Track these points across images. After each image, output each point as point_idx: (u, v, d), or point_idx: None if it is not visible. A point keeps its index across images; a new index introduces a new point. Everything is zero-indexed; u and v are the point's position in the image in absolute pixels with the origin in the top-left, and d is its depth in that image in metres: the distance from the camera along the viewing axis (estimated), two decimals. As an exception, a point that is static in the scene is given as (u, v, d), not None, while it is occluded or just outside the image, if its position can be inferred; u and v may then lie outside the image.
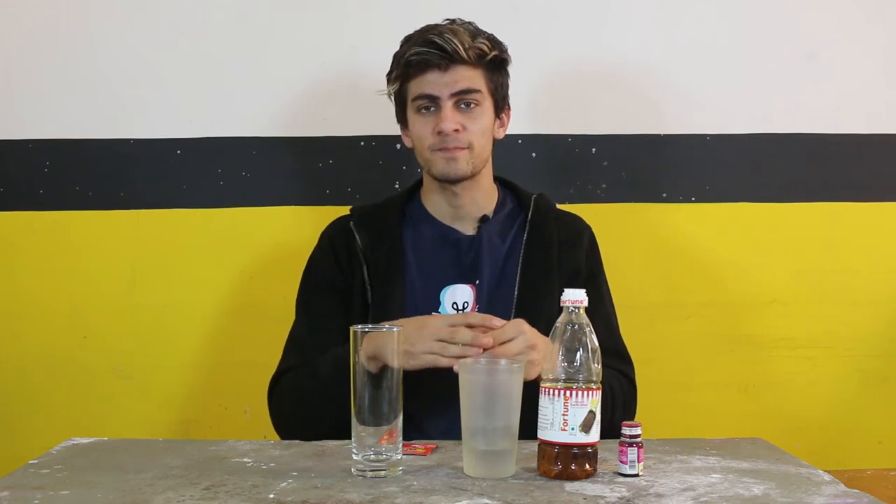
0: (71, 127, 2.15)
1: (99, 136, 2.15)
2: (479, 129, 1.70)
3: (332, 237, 1.79)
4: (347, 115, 2.16)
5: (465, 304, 1.70)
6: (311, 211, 2.15)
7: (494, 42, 1.72)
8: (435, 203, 1.78)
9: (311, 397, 1.61)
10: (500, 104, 1.75)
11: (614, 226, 2.13)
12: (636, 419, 1.36)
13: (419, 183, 1.83)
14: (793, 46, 2.19)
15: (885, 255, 2.22)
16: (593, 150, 2.19)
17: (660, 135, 2.19)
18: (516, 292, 1.70)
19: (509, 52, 1.75)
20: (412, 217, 1.79)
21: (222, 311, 2.18)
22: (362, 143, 2.16)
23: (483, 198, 1.77)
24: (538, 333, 1.49)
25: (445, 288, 1.71)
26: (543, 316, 1.57)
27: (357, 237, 1.74)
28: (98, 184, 2.16)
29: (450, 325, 1.48)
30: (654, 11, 2.18)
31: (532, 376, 1.40)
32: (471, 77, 1.68)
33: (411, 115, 1.72)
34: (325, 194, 2.16)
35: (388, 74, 1.74)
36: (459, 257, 1.73)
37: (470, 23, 1.72)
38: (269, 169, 2.17)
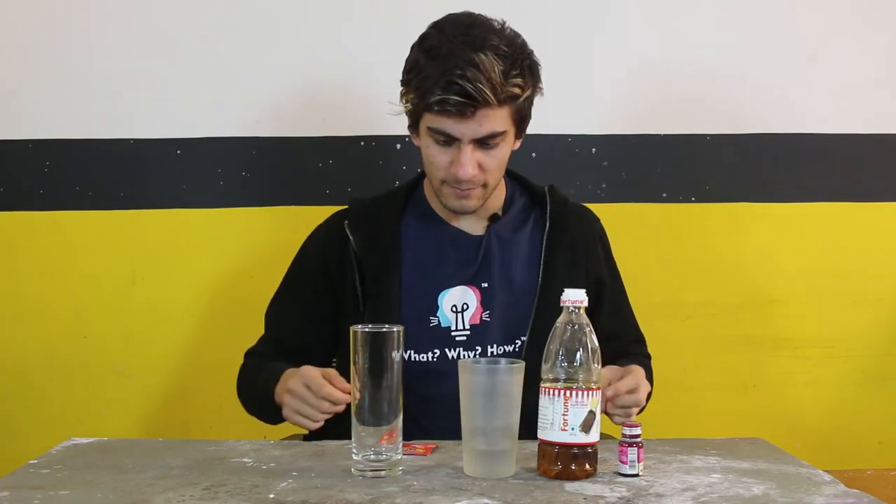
0: (71, 127, 2.15)
1: (99, 136, 2.15)
2: (498, 163, 1.57)
3: (325, 241, 1.71)
4: (347, 115, 2.16)
5: (465, 307, 1.62)
6: (311, 211, 2.14)
7: (530, 75, 1.53)
8: (439, 203, 1.65)
9: (252, 401, 1.70)
10: (523, 127, 1.59)
11: (614, 226, 2.12)
12: (637, 419, 1.36)
13: (422, 175, 1.70)
14: (793, 47, 2.19)
15: (886, 255, 2.22)
16: (593, 150, 2.19)
17: (660, 135, 2.19)
18: (538, 294, 1.62)
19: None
20: (414, 212, 1.69)
21: (222, 311, 2.17)
22: (362, 143, 2.16)
23: (492, 197, 1.65)
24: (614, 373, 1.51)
25: (444, 291, 1.62)
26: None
27: (351, 239, 1.65)
28: (98, 184, 2.16)
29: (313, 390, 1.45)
30: (655, 11, 2.18)
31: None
32: (497, 118, 1.51)
33: (425, 138, 1.57)
34: (325, 194, 2.16)
35: (404, 93, 1.58)
36: (463, 258, 1.64)
37: (506, 45, 1.51)
38: (269, 169, 2.17)
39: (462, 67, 1.46)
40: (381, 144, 2.16)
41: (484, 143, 1.53)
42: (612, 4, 2.19)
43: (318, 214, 2.04)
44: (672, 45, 2.18)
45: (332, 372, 1.46)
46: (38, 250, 2.17)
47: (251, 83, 2.16)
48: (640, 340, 1.80)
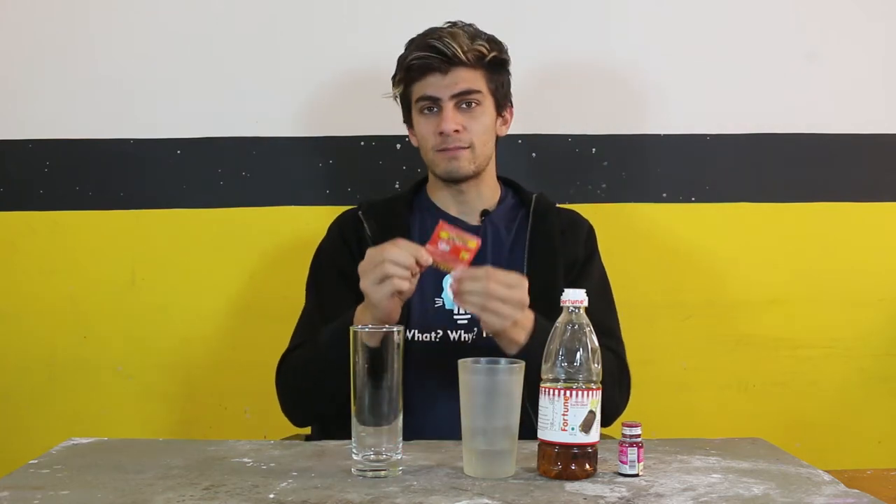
0: (71, 127, 2.15)
1: (99, 136, 2.15)
2: (481, 128, 1.73)
3: (342, 225, 1.82)
4: (347, 115, 2.16)
5: None
6: (312, 211, 2.15)
7: (493, 43, 1.75)
8: (441, 197, 1.81)
9: (311, 367, 1.64)
10: (502, 102, 1.78)
11: (614, 226, 2.14)
12: (637, 419, 1.35)
13: (425, 179, 1.85)
14: (792, 46, 2.19)
15: (886, 255, 2.22)
16: (593, 150, 2.19)
17: (660, 135, 2.19)
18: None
19: (510, 51, 1.77)
20: (420, 208, 1.82)
21: (222, 311, 2.18)
22: (362, 143, 2.17)
23: (487, 193, 1.80)
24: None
25: (449, 275, 1.70)
26: (550, 303, 1.51)
27: (366, 225, 1.77)
28: (98, 184, 2.16)
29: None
30: (654, 11, 2.18)
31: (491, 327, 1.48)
32: (471, 78, 1.71)
33: (416, 116, 1.76)
34: (325, 194, 2.16)
35: (393, 77, 1.78)
36: None
37: (470, 25, 1.76)
38: (269, 169, 2.17)
39: (435, 35, 1.71)
40: (381, 144, 2.16)
41: (463, 101, 1.71)
42: (612, 5, 2.19)
43: (318, 214, 2.06)
44: (672, 46, 2.18)
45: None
46: (38, 250, 2.17)
47: (251, 83, 2.16)
48: (612, 334, 1.74)
